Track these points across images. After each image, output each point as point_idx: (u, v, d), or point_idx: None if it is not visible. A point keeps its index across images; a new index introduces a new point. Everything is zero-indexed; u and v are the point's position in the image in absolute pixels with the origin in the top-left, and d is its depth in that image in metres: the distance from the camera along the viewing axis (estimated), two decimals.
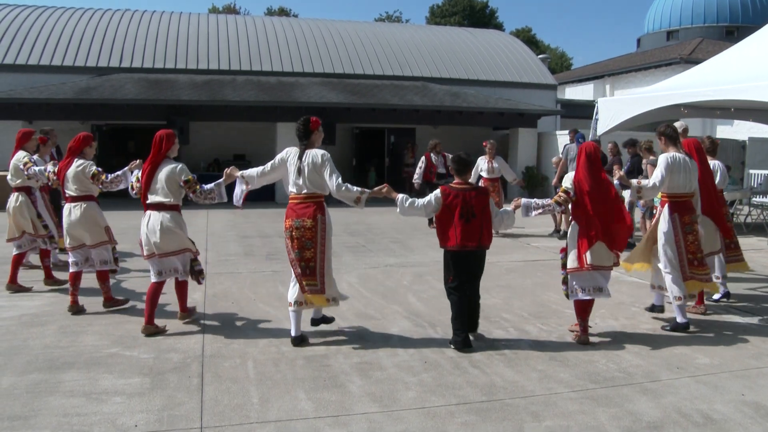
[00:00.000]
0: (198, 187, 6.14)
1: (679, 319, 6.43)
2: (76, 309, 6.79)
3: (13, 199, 7.94)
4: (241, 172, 6.18)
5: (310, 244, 5.74)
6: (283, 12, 56.46)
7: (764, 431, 4.27)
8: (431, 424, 4.27)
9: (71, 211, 6.79)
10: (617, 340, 6.10)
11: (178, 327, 6.32)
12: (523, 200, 6.16)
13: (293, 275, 5.84)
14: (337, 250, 10.72)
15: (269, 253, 10.40)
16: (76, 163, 6.82)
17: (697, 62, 17.64)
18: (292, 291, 5.85)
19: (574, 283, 6.02)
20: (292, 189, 5.89)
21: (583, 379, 5.10)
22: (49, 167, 7.42)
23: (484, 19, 53.29)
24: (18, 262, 7.94)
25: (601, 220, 5.89)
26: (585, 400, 4.69)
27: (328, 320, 6.31)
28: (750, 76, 10.08)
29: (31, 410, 4.38)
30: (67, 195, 6.86)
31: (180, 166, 6.19)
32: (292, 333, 5.90)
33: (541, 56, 29.49)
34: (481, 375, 5.15)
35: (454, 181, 5.94)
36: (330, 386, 4.88)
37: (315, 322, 6.22)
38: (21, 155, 7.99)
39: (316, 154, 5.84)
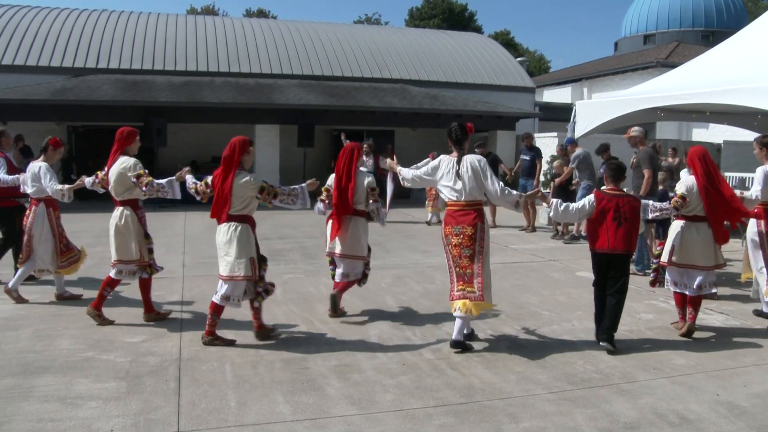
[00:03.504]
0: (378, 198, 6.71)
1: (765, 309, 7.01)
2: (267, 334, 6.04)
3: (117, 216, 6.44)
4: (399, 168, 6.35)
5: (469, 252, 5.71)
6: (261, 13, 56.30)
7: (737, 429, 4.32)
8: (409, 426, 4.27)
9: (223, 233, 5.77)
10: (594, 341, 6.13)
11: (154, 331, 6.27)
12: (642, 202, 6.37)
13: (451, 284, 5.89)
14: (315, 252, 10.70)
15: None
16: (241, 178, 5.72)
17: (673, 66, 17.81)
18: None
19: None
20: (450, 196, 5.86)
21: (560, 381, 5.13)
22: (189, 180, 6.14)
23: (463, 22, 53.45)
24: (146, 286, 6.64)
25: (717, 220, 6.39)
26: (562, 402, 4.72)
27: (469, 346, 5.92)
28: (725, 81, 10.19)
29: (4, 416, 4.32)
30: (228, 214, 5.77)
31: (370, 178, 6.82)
32: (453, 336, 5.82)
33: (519, 59, 29.67)
34: (460, 377, 5.16)
35: (608, 187, 6.12)
36: (308, 389, 4.87)
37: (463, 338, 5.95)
38: (130, 162, 6.43)
39: (473, 160, 5.84)
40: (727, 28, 29.28)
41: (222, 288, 5.75)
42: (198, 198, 6.06)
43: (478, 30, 51.17)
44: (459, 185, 5.78)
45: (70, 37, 21.35)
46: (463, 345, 5.80)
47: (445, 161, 5.92)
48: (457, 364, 5.46)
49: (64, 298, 7.39)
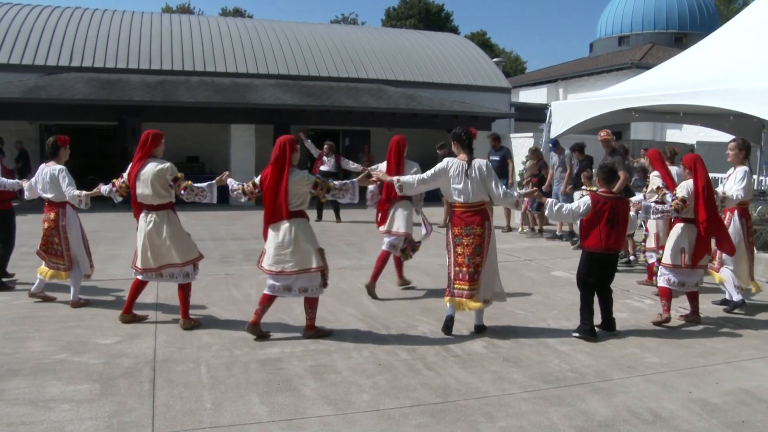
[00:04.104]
0: None
1: (735, 298, 7.24)
2: (259, 332, 6.04)
3: (167, 220, 6.28)
4: (397, 176, 6.54)
5: (479, 250, 6.07)
6: (237, 12, 56.03)
7: (709, 426, 4.37)
8: (385, 427, 4.27)
9: (284, 230, 5.87)
10: (569, 340, 6.18)
11: (128, 332, 6.20)
12: (644, 203, 6.81)
13: (447, 280, 6.24)
14: None
15: (223, 256, 10.29)
16: (295, 175, 5.86)
17: (647, 67, 18.02)
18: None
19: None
20: (457, 198, 6.13)
21: (536, 380, 5.15)
22: (233, 183, 6.19)
23: (440, 23, 53.59)
24: (139, 289, 6.53)
25: (714, 222, 6.69)
26: (538, 400, 4.74)
27: (483, 330, 6.43)
28: (698, 82, 10.32)
29: None
30: (287, 212, 5.85)
31: (415, 169, 7.38)
32: (475, 322, 6.43)
33: (495, 60, 29.78)
34: (435, 377, 5.17)
35: (601, 190, 6.40)
36: (284, 390, 4.85)
37: (478, 328, 6.42)
38: (166, 165, 6.25)
39: (482, 164, 6.17)
40: (699, 31, 29.70)
41: (297, 283, 5.92)
42: (243, 199, 6.19)
43: (455, 30, 51.33)
44: (469, 188, 6.06)
45: (42, 35, 21.05)
46: (483, 328, 6.39)
47: (455, 164, 6.15)
48: (432, 363, 5.47)
49: (37, 297, 7.22)
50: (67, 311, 6.89)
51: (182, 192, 6.23)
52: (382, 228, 7.88)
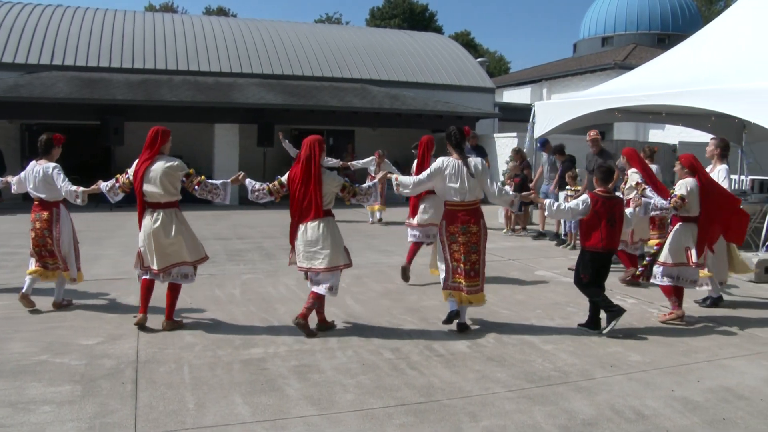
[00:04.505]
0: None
1: (714, 294, 7.56)
2: (316, 328, 6.25)
3: (175, 218, 6.24)
4: (396, 175, 6.60)
5: (476, 248, 6.19)
6: (221, 11, 55.80)
7: (691, 424, 4.40)
8: (369, 426, 4.26)
9: (313, 228, 5.99)
10: (552, 339, 6.20)
11: (110, 333, 6.16)
12: (644, 200, 6.85)
13: (445, 274, 6.29)
14: (274, 252, 10.63)
15: None
16: (326, 176, 6.01)
17: (630, 68, 18.12)
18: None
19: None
20: (453, 197, 6.19)
21: (519, 379, 5.17)
22: (255, 183, 6.27)
23: (424, 22, 53.65)
24: (150, 289, 6.32)
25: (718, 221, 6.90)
26: (521, 400, 4.75)
27: (467, 328, 6.42)
28: (680, 82, 10.41)
29: None
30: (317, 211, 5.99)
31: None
32: (459, 320, 6.39)
33: (479, 60, 29.87)
34: (419, 376, 5.17)
35: (599, 189, 6.46)
36: (267, 390, 4.83)
37: (461, 326, 6.39)
38: (177, 162, 6.17)
39: (477, 162, 6.26)
40: (681, 32, 29.87)
41: (325, 279, 6.03)
42: (267, 199, 6.26)
43: (439, 30, 51.38)
44: (466, 186, 6.12)
45: (23, 33, 20.85)
46: (466, 326, 6.38)
47: (450, 163, 6.20)
48: (416, 363, 5.47)
49: (26, 301, 6.86)
50: (48, 312, 6.83)
51: (196, 188, 6.17)
52: (412, 221, 8.34)
